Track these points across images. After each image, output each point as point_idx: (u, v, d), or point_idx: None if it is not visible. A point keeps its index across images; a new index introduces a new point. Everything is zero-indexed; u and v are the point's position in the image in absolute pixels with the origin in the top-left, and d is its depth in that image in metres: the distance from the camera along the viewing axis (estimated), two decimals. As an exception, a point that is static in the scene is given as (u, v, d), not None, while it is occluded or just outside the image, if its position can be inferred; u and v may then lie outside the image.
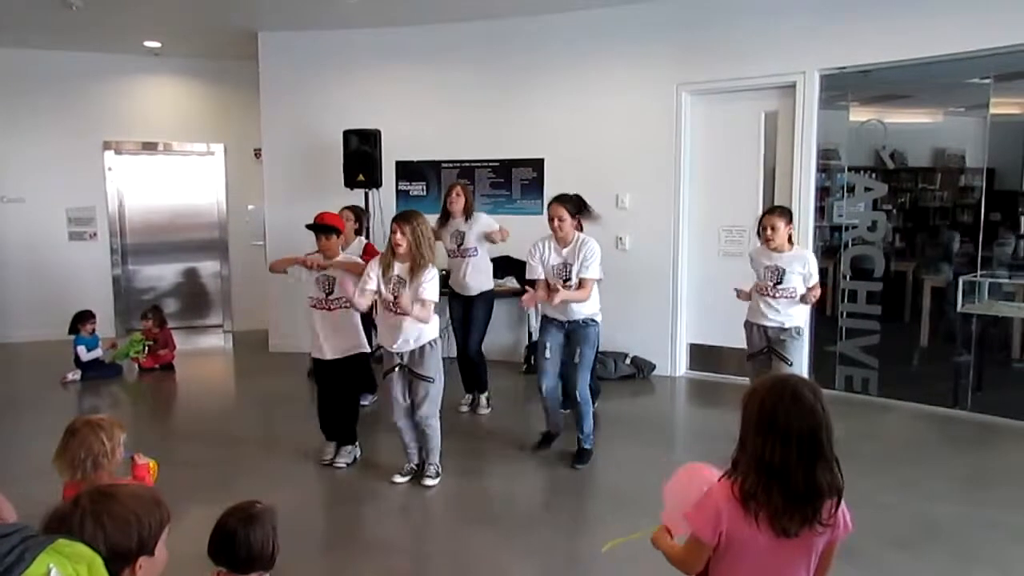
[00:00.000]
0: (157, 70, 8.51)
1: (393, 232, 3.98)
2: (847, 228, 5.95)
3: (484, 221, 5.46)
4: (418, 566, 3.51)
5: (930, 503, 3.93)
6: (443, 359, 4.26)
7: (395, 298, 3.94)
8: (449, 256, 5.45)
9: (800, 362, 4.55)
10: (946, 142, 5.81)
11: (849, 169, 5.92)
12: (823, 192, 6.01)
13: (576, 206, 4.49)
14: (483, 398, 5.68)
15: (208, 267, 9.15)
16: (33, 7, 6.47)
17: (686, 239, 6.55)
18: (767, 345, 4.54)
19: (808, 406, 1.74)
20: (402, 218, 4.01)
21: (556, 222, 4.38)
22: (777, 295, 4.45)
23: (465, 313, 5.50)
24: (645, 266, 6.52)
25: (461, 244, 5.39)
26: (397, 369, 4.09)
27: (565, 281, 4.37)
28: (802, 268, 4.40)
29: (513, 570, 3.40)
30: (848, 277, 5.93)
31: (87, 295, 7.89)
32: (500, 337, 7.12)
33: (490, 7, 6.64)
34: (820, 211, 6.02)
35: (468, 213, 5.40)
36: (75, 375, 6.65)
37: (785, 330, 4.47)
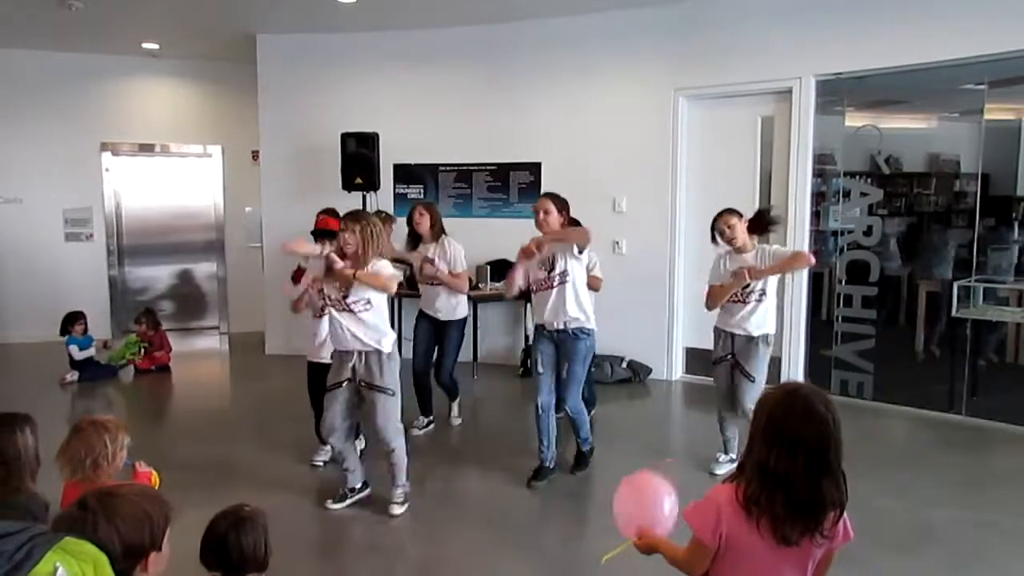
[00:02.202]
0: (155, 72, 8.51)
1: (342, 231, 3.71)
2: (842, 233, 5.97)
3: (456, 254, 5.01)
4: (413, 571, 3.52)
5: (927, 507, 3.95)
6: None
7: (344, 296, 3.71)
8: (420, 281, 5.18)
9: (762, 377, 4.19)
10: (941, 147, 5.84)
11: (845, 174, 5.95)
12: (819, 197, 6.03)
13: (566, 205, 4.29)
14: (454, 406, 5.46)
15: (205, 269, 9.14)
16: (32, 8, 6.47)
17: (682, 243, 6.57)
18: (731, 352, 4.29)
19: (818, 418, 1.73)
20: (351, 217, 3.77)
21: (542, 215, 4.18)
22: (748, 299, 4.20)
23: (434, 337, 5.20)
24: (642, 270, 6.54)
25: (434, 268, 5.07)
26: (346, 383, 3.81)
27: (550, 272, 4.17)
28: (764, 262, 4.14)
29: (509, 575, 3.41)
30: (843, 282, 5.95)
31: (83, 296, 7.88)
32: (497, 340, 7.13)
33: (487, 12, 6.66)
34: (816, 216, 6.04)
35: (437, 234, 5.01)
36: (73, 376, 6.65)
37: (752, 339, 4.22)
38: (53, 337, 6.94)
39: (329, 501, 3.98)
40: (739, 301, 4.22)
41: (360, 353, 3.79)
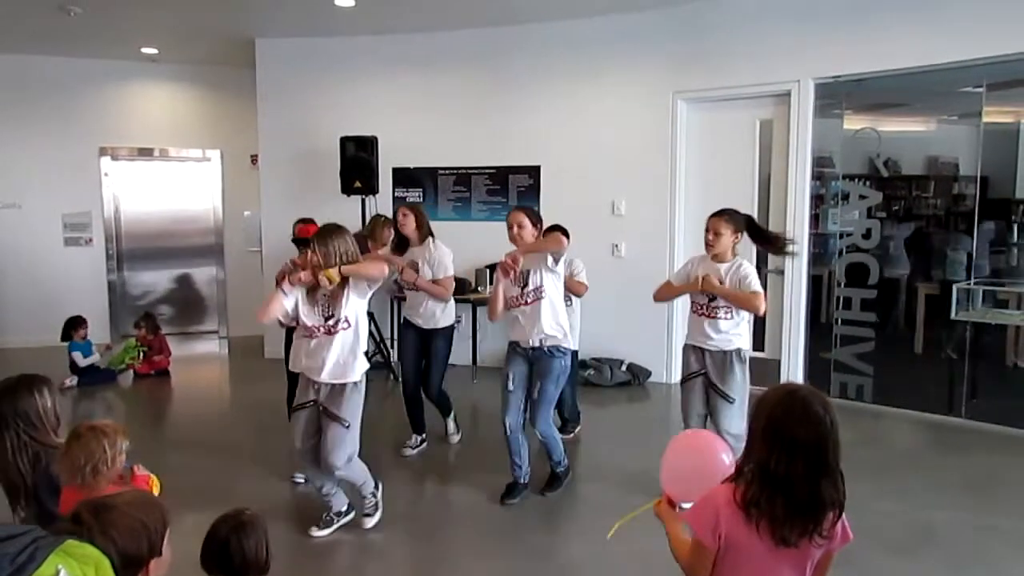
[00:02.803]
0: (154, 76, 8.52)
1: (313, 253, 3.52)
2: (841, 236, 5.97)
3: (441, 259, 4.71)
4: (413, 573, 3.51)
5: (926, 509, 3.95)
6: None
7: (327, 319, 3.52)
8: (406, 287, 4.88)
9: (744, 396, 3.85)
10: (940, 150, 5.85)
11: (843, 177, 5.95)
12: (818, 200, 6.04)
13: (538, 217, 4.15)
14: (449, 422, 5.21)
15: (204, 273, 9.15)
16: (31, 13, 6.48)
17: (681, 246, 6.56)
18: (703, 370, 3.93)
19: (817, 419, 1.74)
20: (318, 239, 3.52)
21: (516, 229, 3.99)
22: (713, 313, 3.87)
23: (421, 348, 4.87)
24: (641, 273, 6.51)
25: (417, 274, 4.74)
26: (311, 405, 3.61)
27: (524, 289, 3.96)
28: (731, 279, 3.81)
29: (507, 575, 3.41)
30: (842, 284, 5.95)
31: (82, 301, 7.90)
32: (496, 344, 7.11)
33: (487, 16, 6.67)
34: (815, 219, 6.05)
35: (423, 236, 4.75)
36: (72, 381, 6.65)
37: (725, 354, 3.86)
38: (52, 342, 6.95)
39: (313, 528, 3.70)
40: (705, 315, 3.91)
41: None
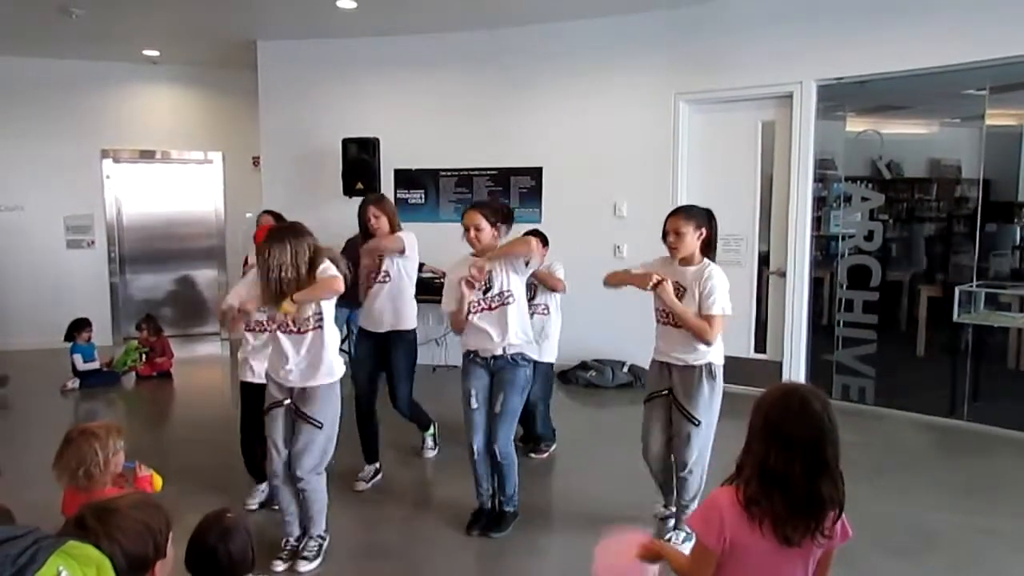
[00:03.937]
0: (155, 78, 8.54)
1: (259, 254, 3.24)
2: (844, 238, 5.97)
3: (407, 240, 4.25)
4: (412, 571, 3.51)
5: (928, 512, 3.94)
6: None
7: (286, 315, 3.16)
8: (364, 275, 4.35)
9: (712, 418, 3.44)
10: (942, 152, 5.84)
11: (846, 179, 5.94)
12: (820, 202, 6.03)
13: (498, 214, 3.70)
14: (428, 437, 4.80)
15: (206, 275, 9.16)
16: (32, 16, 6.49)
17: (683, 248, 6.56)
18: (669, 388, 3.53)
19: (815, 417, 1.75)
20: (260, 249, 3.22)
21: (472, 232, 3.58)
22: (679, 322, 3.43)
23: (377, 358, 4.34)
24: (643, 275, 6.53)
25: (379, 267, 4.25)
26: (283, 405, 3.32)
27: (486, 292, 3.56)
28: (699, 287, 3.36)
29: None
30: (845, 287, 5.94)
31: (85, 303, 7.91)
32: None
33: (489, 17, 6.68)
34: (817, 221, 6.04)
35: (394, 230, 4.29)
36: (74, 383, 6.65)
37: (690, 369, 3.41)
38: (55, 344, 6.95)
39: (277, 563, 3.32)
40: (670, 323, 3.47)
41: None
